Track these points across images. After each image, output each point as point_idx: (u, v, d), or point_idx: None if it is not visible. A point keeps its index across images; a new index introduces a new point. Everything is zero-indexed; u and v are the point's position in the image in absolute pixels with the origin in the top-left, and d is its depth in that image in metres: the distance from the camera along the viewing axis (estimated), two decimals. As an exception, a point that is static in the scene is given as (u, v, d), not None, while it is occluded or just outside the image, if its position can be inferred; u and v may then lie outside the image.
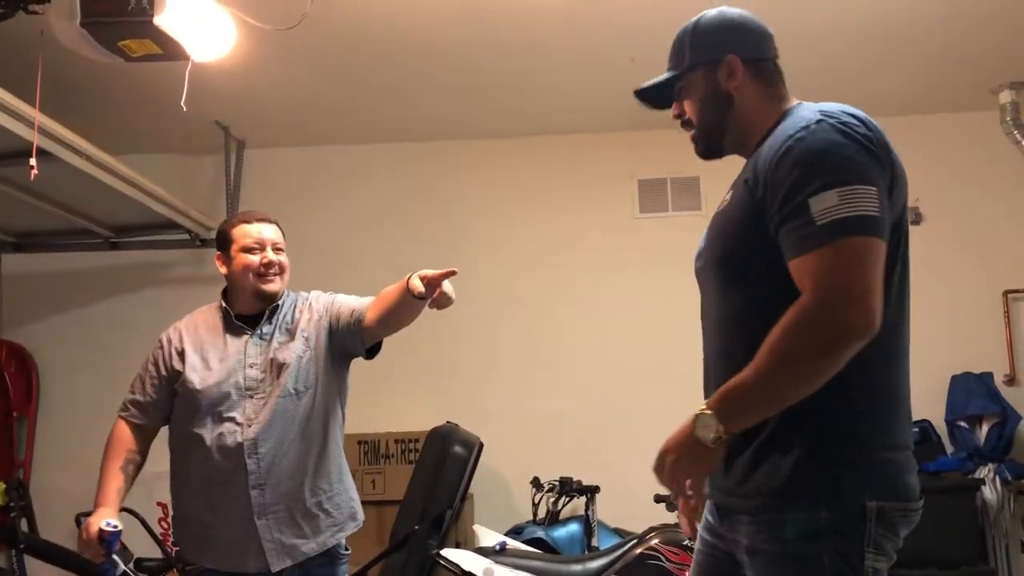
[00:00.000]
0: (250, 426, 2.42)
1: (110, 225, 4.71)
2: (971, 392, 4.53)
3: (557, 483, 4.30)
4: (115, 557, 2.38)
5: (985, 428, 4.44)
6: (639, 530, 3.60)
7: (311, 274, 5.03)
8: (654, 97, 1.89)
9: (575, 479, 4.30)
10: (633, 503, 4.23)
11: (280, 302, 2.58)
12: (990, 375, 4.61)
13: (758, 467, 1.56)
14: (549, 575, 3.32)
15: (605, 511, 4.33)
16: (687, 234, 4.93)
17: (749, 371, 1.47)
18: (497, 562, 3.32)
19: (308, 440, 2.48)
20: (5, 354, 5.00)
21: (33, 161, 2.81)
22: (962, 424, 4.49)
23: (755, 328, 1.51)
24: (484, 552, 3.34)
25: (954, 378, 4.62)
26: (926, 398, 4.61)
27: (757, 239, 1.56)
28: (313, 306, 2.60)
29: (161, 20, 2.59)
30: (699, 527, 1.82)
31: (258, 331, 2.52)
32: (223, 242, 2.57)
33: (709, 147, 1.82)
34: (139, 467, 2.53)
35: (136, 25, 2.59)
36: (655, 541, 3.42)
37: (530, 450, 4.69)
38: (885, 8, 3.82)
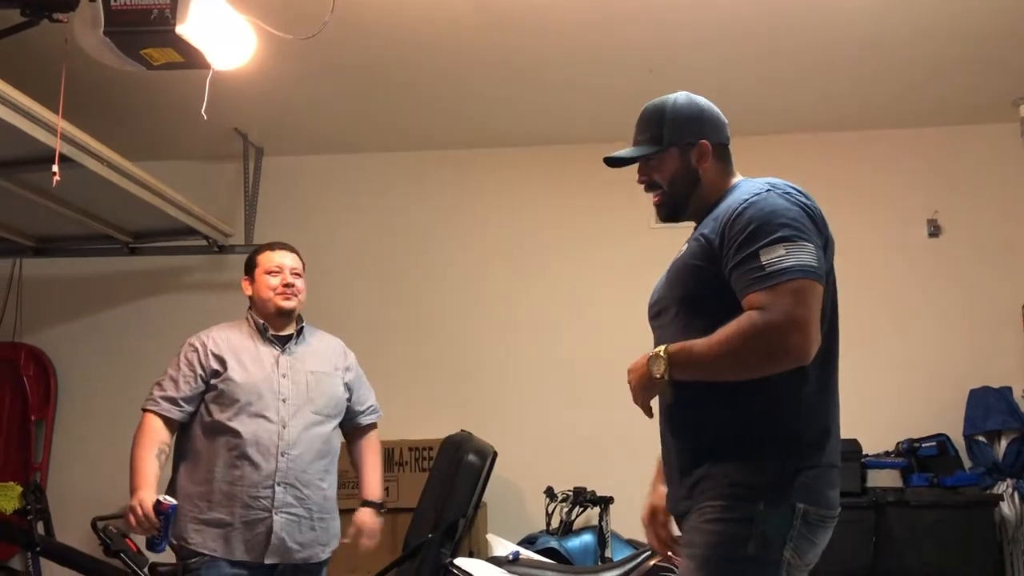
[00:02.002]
0: (285, 427, 2.73)
1: (129, 231, 4.74)
2: (990, 407, 4.49)
3: (571, 493, 4.30)
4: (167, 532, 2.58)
5: (1004, 443, 4.39)
6: (653, 542, 3.59)
7: (329, 281, 5.07)
8: (619, 159, 2.13)
9: (589, 489, 4.29)
10: (647, 514, 4.22)
11: (304, 326, 2.95)
12: (1009, 389, 4.56)
13: (711, 475, 1.84)
14: (563, 586, 3.31)
15: (619, 522, 4.31)
16: (703, 245, 4.96)
17: (704, 344, 1.76)
18: (510, 571, 3.32)
19: (325, 459, 2.83)
20: (24, 358, 5.04)
21: (56, 167, 2.83)
22: (980, 439, 4.45)
23: None
24: (497, 561, 3.34)
25: (972, 392, 4.58)
26: (944, 412, 4.58)
27: (712, 279, 1.84)
28: (348, 357, 3.03)
29: (183, 29, 2.61)
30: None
31: (288, 347, 2.88)
32: (250, 267, 2.95)
33: (672, 213, 2.09)
34: (166, 459, 2.78)
35: (158, 34, 2.61)
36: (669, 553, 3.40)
37: (544, 460, 4.68)
38: (906, 21, 3.80)
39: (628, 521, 4.35)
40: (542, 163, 5.13)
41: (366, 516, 2.90)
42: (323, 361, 2.92)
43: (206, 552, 2.67)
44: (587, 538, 4.16)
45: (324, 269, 5.10)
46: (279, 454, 2.70)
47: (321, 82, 4.32)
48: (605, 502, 4.25)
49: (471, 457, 3.85)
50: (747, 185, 1.96)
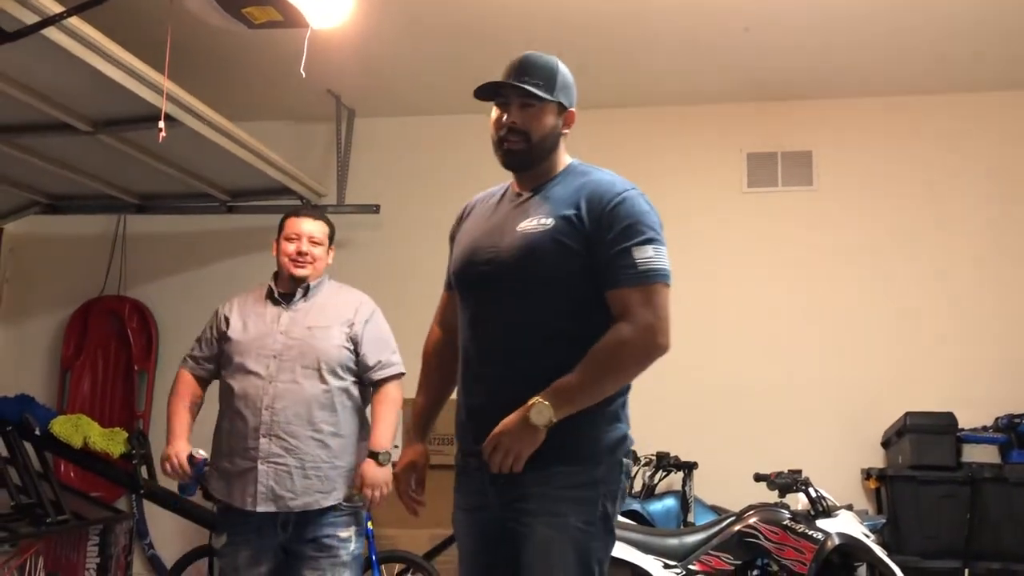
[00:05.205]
0: (271, 382, 2.86)
1: (227, 189, 4.87)
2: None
3: (653, 458, 4.29)
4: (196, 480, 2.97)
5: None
6: (736, 508, 3.57)
7: (417, 241, 5.12)
8: (491, 90, 2.08)
9: (672, 455, 4.28)
10: (731, 481, 4.19)
11: (314, 284, 3.02)
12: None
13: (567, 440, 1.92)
14: (646, 547, 3.32)
15: (702, 488, 4.30)
16: (797, 209, 4.86)
17: (579, 374, 1.87)
18: (593, 531, 3.34)
19: (318, 411, 2.88)
20: (128, 310, 5.26)
21: (162, 124, 2.93)
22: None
23: (556, 332, 1.93)
24: (580, 521, 3.36)
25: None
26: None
27: (579, 262, 1.93)
28: (360, 311, 3.03)
29: (282, -12, 2.66)
30: None
31: (293, 306, 2.98)
32: (278, 230, 3.06)
33: (523, 162, 2.08)
34: (198, 409, 3.06)
35: (259, -8, 2.67)
36: (754, 519, 3.38)
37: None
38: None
39: (711, 488, 4.34)
40: (633, 125, 5.06)
41: (365, 467, 2.89)
42: (325, 316, 2.98)
43: (222, 499, 2.91)
44: (669, 502, 4.16)
45: (413, 230, 5.16)
46: (263, 408, 2.84)
47: (413, 43, 4.34)
48: (688, 467, 4.24)
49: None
50: (600, 174, 2.05)
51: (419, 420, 2.24)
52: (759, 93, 4.85)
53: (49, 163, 4.22)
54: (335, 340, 2.94)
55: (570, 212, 1.97)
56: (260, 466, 2.81)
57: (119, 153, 4.02)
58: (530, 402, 1.83)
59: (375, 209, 5.06)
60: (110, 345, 5.29)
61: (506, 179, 2.24)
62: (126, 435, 4.20)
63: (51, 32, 2.83)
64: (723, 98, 4.91)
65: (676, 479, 4.30)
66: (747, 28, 4.10)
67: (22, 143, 3.96)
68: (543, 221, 1.98)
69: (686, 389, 4.77)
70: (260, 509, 2.80)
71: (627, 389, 2.04)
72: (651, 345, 1.90)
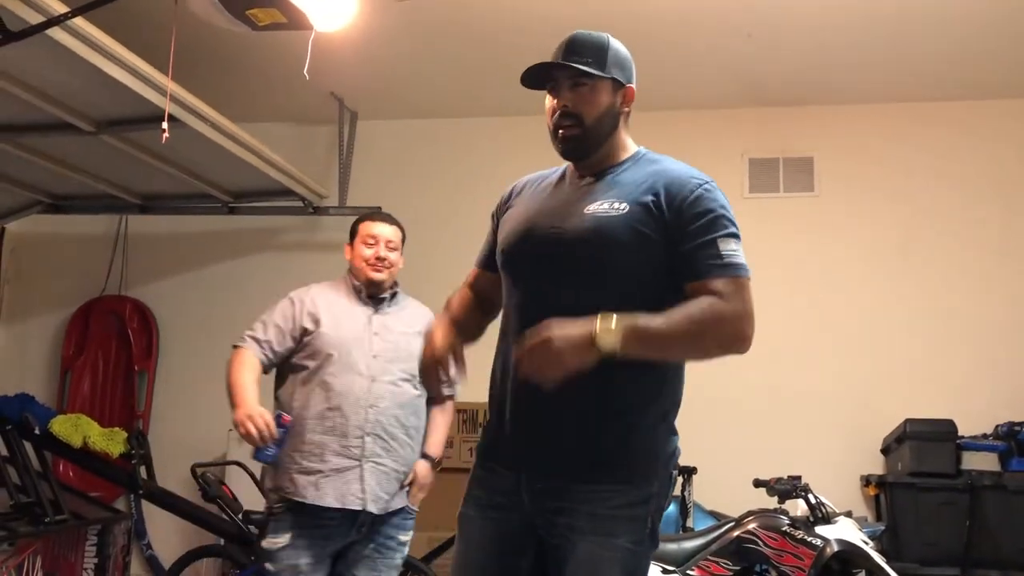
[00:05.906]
0: (374, 381, 2.83)
1: (229, 190, 4.88)
2: (1098, 392, 4.29)
3: (653, 462, 4.28)
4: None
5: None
6: (735, 514, 3.57)
7: (419, 244, 5.11)
8: (541, 76, 1.99)
9: (672, 459, 4.27)
10: (730, 487, 4.18)
11: (397, 291, 3.03)
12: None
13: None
14: (644, 551, 3.32)
15: (701, 493, 4.29)
16: (799, 215, 4.86)
17: (666, 323, 1.72)
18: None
19: (413, 417, 2.92)
20: (129, 310, 5.27)
21: (165, 125, 2.94)
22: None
23: None
24: (579, 525, 3.36)
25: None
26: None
27: (658, 252, 1.83)
28: (432, 321, 2.98)
29: (286, -10, 2.67)
30: None
31: (381, 308, 2.98)
32: (352, 233, 3.05)
33: (581, 151, 1.97)
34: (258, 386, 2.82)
35: (263, -5, 2.68)
36: (753, 525, 3.38)
37: (627, 428, 4.68)
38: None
39: (711, 493, 4.33)
40: (633, 129, 5.05)
41: (421, 467, 2.93)
42: (413, 323, 2.98)
43: (298, 499, 2.75)
44: (668, 507, 4.15)
45: (415, 232, 5.15)
46: (368, 406, 2.80)
47: (415, 47, 4.35)
48: (688, 472, 4.24)
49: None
50: (673, 163, 1.96)
51: (452, 324, 2.07)
52: (761, 98, 4.86)
53: (52, 163, 4.22)
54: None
55: (647, 199, 1.86)
56: (365, 465, 2.78)
57: (122, 153, 4.03)
58: (599, 321, 1.67)
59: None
60: (111, 345, 5.29)
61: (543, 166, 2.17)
62: (125, 435, 4.20)
63: (55, 32, 2.84)
64: (725, 103, 4.91)
65: (675, 484, 4.29)
66: (750, 33, 4.10)
67: (25, 143, 3.97)
68: (616, 205, 1.86)
69: (685, 393, 4.75)
70: (370, 508, 2.76)
71: (681, 398, 2.00)
72: (741, 333, 1.78)
